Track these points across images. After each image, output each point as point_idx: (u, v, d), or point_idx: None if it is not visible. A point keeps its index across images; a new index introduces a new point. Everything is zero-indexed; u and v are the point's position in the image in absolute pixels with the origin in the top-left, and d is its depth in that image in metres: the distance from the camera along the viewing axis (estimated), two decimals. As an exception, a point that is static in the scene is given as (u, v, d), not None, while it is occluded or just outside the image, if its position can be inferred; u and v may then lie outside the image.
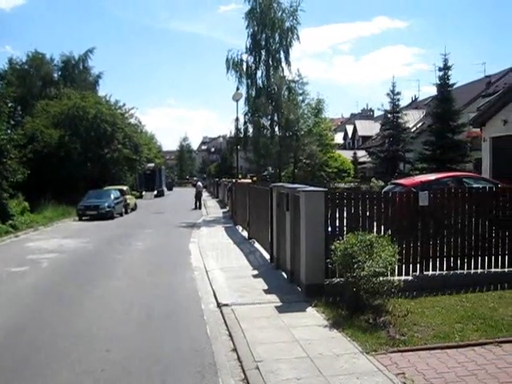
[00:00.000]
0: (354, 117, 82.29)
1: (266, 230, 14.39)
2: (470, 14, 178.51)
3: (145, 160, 58.30)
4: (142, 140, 59.25)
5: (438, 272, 10.64)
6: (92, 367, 7.01)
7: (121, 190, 36.24)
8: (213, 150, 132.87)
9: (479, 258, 10.83)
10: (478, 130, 25.34)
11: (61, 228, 26.93)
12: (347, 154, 50.89)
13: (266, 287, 11.14)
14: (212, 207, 40.96)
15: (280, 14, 32.57)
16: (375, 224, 10.41)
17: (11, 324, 9.20)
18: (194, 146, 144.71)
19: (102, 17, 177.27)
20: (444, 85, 33.53)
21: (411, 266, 10.48)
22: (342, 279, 9.24)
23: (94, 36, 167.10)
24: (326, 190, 10.78)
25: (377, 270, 8.23)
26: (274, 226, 13.29)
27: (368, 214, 10.44)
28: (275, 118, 32.83)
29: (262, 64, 32.75)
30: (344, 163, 44.95)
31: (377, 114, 67.56)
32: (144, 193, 58.53)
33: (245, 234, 20.20)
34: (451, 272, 10.66)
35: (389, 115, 42.26)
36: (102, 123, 43.88)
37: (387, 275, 8.70)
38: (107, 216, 30.70)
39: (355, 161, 51.16)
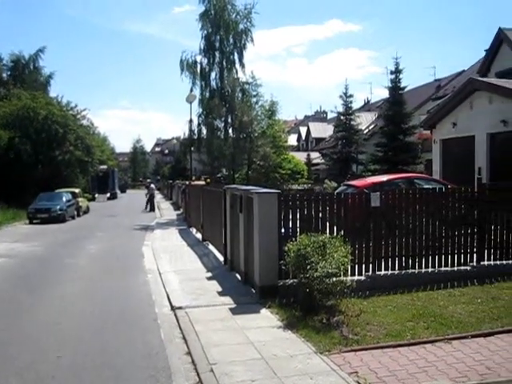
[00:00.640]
0: (307, 119, 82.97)
1: (220, 232, 14.36)
2: (421, 19, 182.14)
3: (97, 162, 57.47)
4: (95, 142, 58.40)
5: (390, 272, 10.80)
6: (42, 374, 6.86)
7: (73, 193, 35.60)
8: (166, 151, 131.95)
9: (430, 258, 11.05)
10: (429, 132, 25.84)
11: (11, 232, 26.26)
12: (301, 156, 51.25)
13: (220, 289, 11.12)
14: (166, 209, 40.68)
15: (234, 16, 32.65)
16: (328, 225, 10.50)
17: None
18: (148, 147, 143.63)
19: (53, 16, 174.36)
20: (395, 88, 34.07)
21: (364, 266, 10.60)
22: (295, 280, 9.29)
23: (45, 35, 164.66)
24: (279, 191, 10.80)
25: (330, 270, 8.29)
26: (228, 227, 13.27)
27: (321, 215, 10.52)
28: (229, 119, 32.85)
29: (216, 66, 32.76)
30: (298, 165, 45.24)
31: (330, 116, 68.30)
32: (97, 195, 57.73)
33: (199, 236, 20.11)
34: (403, 271, 10.84)
35: (342, 117, 42.74)
36: (54, 124, 43.04)
37: (340, 276, 8.75)
38: (59, 219, 30.11)
39: (309, 162, 51.56)
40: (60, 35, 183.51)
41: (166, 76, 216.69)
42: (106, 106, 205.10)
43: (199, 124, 33.59)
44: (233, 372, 6.52)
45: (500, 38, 26.77)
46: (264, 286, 9.92)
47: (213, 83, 32.84)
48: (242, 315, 9.01)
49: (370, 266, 10.64)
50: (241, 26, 32.65)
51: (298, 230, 10.19)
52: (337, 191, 15.91)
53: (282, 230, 10.15)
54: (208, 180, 31.52)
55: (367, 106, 64.01)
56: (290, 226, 10.30)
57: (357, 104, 55.59)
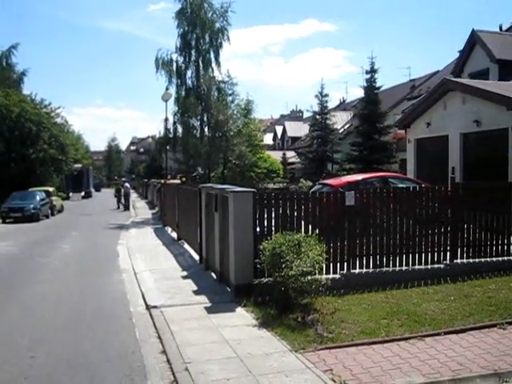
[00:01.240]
0: (283, 118, 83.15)
1: (195, 231, 14.32)
2: (396, 20, 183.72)
3: (72, 160, 56.91)
4: (69, 140, 57.87)
5: (364, 270, 10.89)
6: (14, 375, 6.77)
7: (47, 192, 35.24)
8: (142, 150, 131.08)
9: (404, 256, 11.16)
10: (403, 131, 26.05)
11: (-18, 231, 25.92)
12: (276, 155, 51.28)
13: (195, 288, 11.10)
14: (141, 208, 40.47)
15: (211, 14, 32.54)
16: (303, 224, 10.54)
17: None
18: (123, 146, 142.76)
19: (25, 12, 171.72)
20: (371, 87, 34.30)
21: (339, 264, 10.67)
22: (270, 279, 9.29)
23: (17, 32, 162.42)
24: (255, 190, 10.81)
25: (305, 269, 8.33)
26: (203, 226, 13.24)
27: (296, 213, 10.55)
28: (205, 118, 32.72)
29: (192, 64, 32.61)
30: (273, 164, 45.27)
31: (306, 115, 68.40)
32: (71, 194, 57.19)
33: (174, 235, 20.04)
34: (377, 270, 10.94)
35: (317, 116, 42.88)
36: (27, 122, 42.51)
37: (315, 274, 8.80)
38: (33, 218, 29.80)
39: (284, 161, 51.63)
40: (32, 32, 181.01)
41: (141, 74, 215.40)
42: (80, 103, 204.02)
43: (175, 122, 33.46)
44: (208, 371, 6.52)
45: (473, 40, 27.13)
46: (239, 285, 9.92)
47: (189, 82, 32.73)
48: (218, 314, 9.00)
49: (345, 264, 10.71)
50: (217, 25, 32.56)
51: (274, 228, 10.21)
52: (312, 190, 15.97)
53: (258, 229, 10.17)
54: (183, 179, 31.45)
55: (343, 106, 64.36)
56: (266, 224, 10.32)
57: (332, 103, 55.96)
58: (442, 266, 11.33)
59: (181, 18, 32.13)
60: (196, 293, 10.69)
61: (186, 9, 32.02)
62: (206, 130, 33.29)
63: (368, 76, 34.26)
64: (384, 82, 74.98)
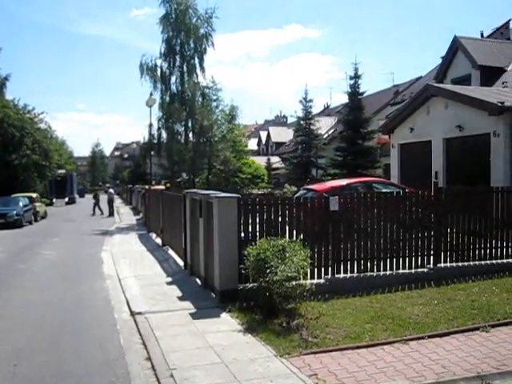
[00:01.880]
0: (267, 123, 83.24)
1: (180, 237, 14.30)
2: (380, 26, 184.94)
3: (55, 166, 56.58)
4: (53, 145, 57.54)
5: (349, 275, 10.92)
6: (-3, 383, 6.71)
7: (30, 198, 34.96)
8: (126, 156, 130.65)
9: (388, 260, 11.22)
10: (387, 136, 26.20)
11: (-36, 238, 25.64)
12: (261, 160, 51.34)
13: (180, 294, 11.07)
14: (125, 214, 40.27)
15: (195, 20, 32.56)
16: (288, 229, 10.56)
17: None
18: (107, 151, 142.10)
19: (6, 17, 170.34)
20: (355, 93, 34.44)
21: (323, 269, 10.70)
22: (255, 284, 9.32)
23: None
24: (239, 196, 10.82)
25: (289, 274, 8.35)
26: (188, 232, 13.22)
27: (280, 219, 10.58)
28: (189, 124, 32.70)
29: (176, 70, 32.60)
30: (258, 169, 45.31)
31: (290, 120, 68.64)
32: (55, 200, 56.76)
33: (158, 240, 19.97)
34: (362, 274, 10.98)
35: (302, 122, 42.99)
36: (10, 128, 42.24)
37: (300, 279, 8.80)
38: (15, 224, 29.49)
39: (269, 167, 51.67)
40: (15, 37, 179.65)
41: (126, 79, 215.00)
42: (63, 108, 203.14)
43: (159, 128, 33.42)
44: (193, 377, 6.51)
45: (455, 46, 27.41)
46: (224, 291, 9.92)
47: (173, 87, 32.72)
48: (202, 320, 8.99)
49: (330, 269, 10.74)
50: (201, 31, 32.60)
51: (258, 234, 10.23)
52: (296, 195, 16.00)
53: (242, 235, 10.17)
54: (168, 184, 31.35)
55: (327, 111, 64.66)
56: (250, 230, 10.33)
57: (317, 109, 56.24)
58: (425, 270, 11.40)
59: (165, 24, 32.14)
60: (181, 299, 10.66)
61: (170, 14, 32.03)
62: (190, 135, 33.29)
63: (352, 82, 34.45)
64: (368, 87, 75.54)
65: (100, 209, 41.05)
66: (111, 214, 39.04)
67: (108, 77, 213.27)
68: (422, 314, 8.78)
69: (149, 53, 33.07)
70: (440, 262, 11.61)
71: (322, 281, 10.53)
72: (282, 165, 50.66)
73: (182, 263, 14.23)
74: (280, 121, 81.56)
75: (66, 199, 60.31)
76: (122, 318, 9.71)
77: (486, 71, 25.74)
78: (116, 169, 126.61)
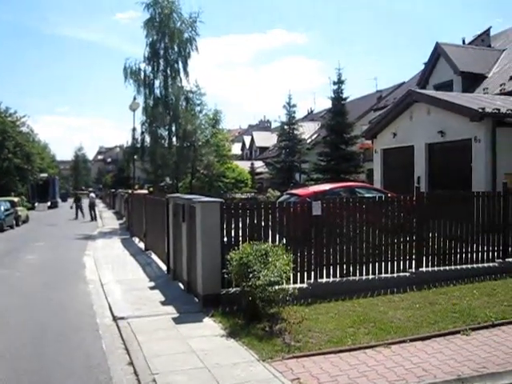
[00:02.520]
0: (251, 128, 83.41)
1: (163, 241, 14.27)
2: (363, 32, 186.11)
3: (37, 170, 56.27)
4: (35, 149, 57.21)
5: (331, 279, 10.96)
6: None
7: (11, 202, 34.65)
8: (109, 160, 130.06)
9: (370, 265, 11.29)
10: (370, 142, 26.33)
11: None
12: (245, 165, 51.36)
13: (162, 299, 11.04)
14: (108, 218, 40.11)
15: (179, 24, 32.49)
16: (271, 233, 10.59)
17: None
18: (90, 155, 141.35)
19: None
20: (338, 98, 34.54)
21: (306, 273, 10.73)
22: (238, 289, 9.34)
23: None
24: (222, 200, 10.83)
25: (272, 278, 8.37)
26: (171, 236, 13.21)
27: (263, 223, 10.60)
28: (173, 128, 32.59)
29: (160, 74, 32.48)
30: (241, 174, 45.31)
31: (274, 125, 68.72)
32: (37, 204, 56.27)
33: (141, 245, 19.91)
34: (344, 279, 11.03)
35: (285, 127, 43.09)
36: (-9, 131, 41.93)
37: (282, 284, 8.82)
38: (-3, 229, 29.25)
39: (252, 171, 51.70)
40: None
41: (109, 83, 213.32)
42: (45, 112, 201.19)
43: (143, 132, 33.23)
44: (175, 381, 6.51)
45: (437, 52, 27.66)
46: (207, 295, 9.91)
47: (157, 91, 32.60)
48: (185, 324, 8.99)
49: (312, 273, 10.77)
50: (186, 35, 32.54)
51: (241, 238, 10.24)
52: (279, 200, 16.03)
53: (225, 239, 10.18)
54: (151, 189, 31.20)
55: (310, 116, 64.80)
56: (233, 234, 10.34)
57: (300, 114, 56.37)
58: (407, 274, 11.48)
59: (149, 28, 32.04)
60: (163, 303, 10.64)
61: (154, 18, 31.95)
62: (174, 139, 33.20)
63: (335, 87, 34.54)
64: (351, 92, 75.76)
65: (82, 212, 40.80)
66: (93, 218, 38.79)
67: (91, 80, 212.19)
68: (404, 318, 8.85)
69: (133, 56, 33.17)
70: (422, 267, 11.70)
71: (304, 285, 10.56)
72: (266, 169, 50.69)
73: (164, 268, 14.20)
74: (264, 126, 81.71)
75: (49, 203, 59.76)
76: (104, 323, 9.66)
77: (467, 77, 26.02)
78: (99, 173, 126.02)
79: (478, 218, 12.41)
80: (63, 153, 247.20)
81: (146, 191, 29.06)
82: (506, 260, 12.52)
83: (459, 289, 10.86)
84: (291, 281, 10.17)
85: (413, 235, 11.75)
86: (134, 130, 33.08)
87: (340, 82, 34.40)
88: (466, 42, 33.34)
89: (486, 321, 8.57)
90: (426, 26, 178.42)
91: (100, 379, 6.91)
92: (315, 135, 49.20)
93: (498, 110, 17.59)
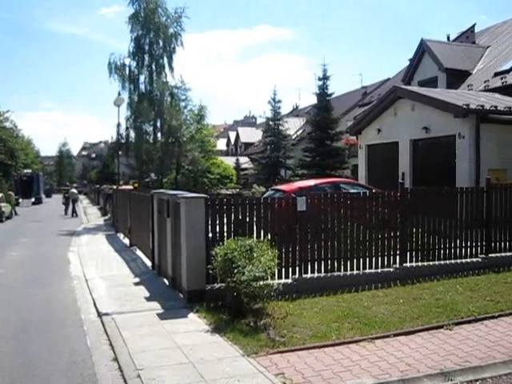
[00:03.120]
0: (236, 123, 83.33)
1: (148, 237, 14.24)
2: (348, 28, 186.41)
3: (21, 166, 55.81)
4: (19, 145, 56.72)
5: (316, 274, 11.00)
6: (-41, 386, 6.60)
7: (-6, 198, 34.40)
8: (94, 155, 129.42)
9: (355, 260, 11.34)
10: (355, 137, 26.42)
11: None
12: (230, 161, 51.28)
13: (147, 295, 11.02)
14: (93, 214, 39.86)
15: (164, 19, 32.40)
16: (255, 229, 10.60)
17: None
18: (74, 151, 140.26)
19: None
20: (323, 94, 34.59)
21: (291, 269, 10.76)
22: (223, 284, 9.34)
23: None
24: (207, 196, 10.82)
25: (256, 274, 8.38)
26: (156, 232, 13.18)
27: (248, 219, 10.60)
28: (158, 123, 32.54)
29: (145, 69, 32.38)
30: (226, 169, 45.22)
31: (259, 121, 68.89)
32: (21, 200, 55.78)
33: (126, 241, 19.84)
34: (329, 274, 11.06)
35: (270, 122, 43.15)
36: (-27, 127, 41.55)
37: (267, 279, 8.85)
38: (-21, 225, 29.03)
39: (238, 167, 51.66)
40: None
41: (93, 78, 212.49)
42: (28, 107, 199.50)
43: (127, 128, 33.13)
44: (160, 377, 6.49)
45: (422, 49, 27.79)
46: (192, 291, 9.91)
47: (142, 87, 32.50)
48: (170, 320, 8.97)
49: (297, 269, 10.80)
50: (171, 30, 32.44)
51: (226, 234, 10.25)
52: (264, 196, 16.04)
53: (210, 235, 10.18)
54: (136, 185, 31.09)
55: (296, 112, 64.91)
56: (218, 230, 10.34)
57: (285, 109, 56.43)
58: (391, 269, 11.55)
59: (134, 23, 31.91)
60: (148, 299, 10.62)
61: (139, 13, 31.81)
62: (158, 135, 33.13)
63: (320, 83, 34.60)
64: (337, 88, 76.50)
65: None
66: (75, 214, 38.41)
67: (75, 75, 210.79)
68: (388, 313, 8.90)
69: (118, 51, 32.97)
70: (406, 262, 11.77)
71: (289, 280, 10.59)
72: (251, 165, 50.76)
73: (149, 264, 14.17)
74: (249, 121, 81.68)
75: (33, 199, 59.32)
76: (88, 319, 9.63)
77: (451, 74, 26.16)
78: (84, 168, 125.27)
79: (462, 214, 12.51)
80: (47, 148, 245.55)
81: (130, 187, 28.95)
82: (489, 255, 12.62)
83: (443, 284, 10.95)
84: (276, 276, 10.19)
85: (397, 231, 11.81)
86: (118, 125, 33.07)
87: (325, 77, 34.47)
88: (451, 38, 33.55)
89: (469, 315, 8.64)
90: (411, 22, 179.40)
91: (84, 375, 6.89)
92: (300, 131, 49.27)
93: (482, 106, 17.74)
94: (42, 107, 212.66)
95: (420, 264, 11.90)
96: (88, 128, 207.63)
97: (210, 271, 9.54)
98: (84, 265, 15.42)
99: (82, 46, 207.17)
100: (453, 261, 12.24)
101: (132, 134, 33.06)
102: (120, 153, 35.18)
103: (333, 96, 35.67)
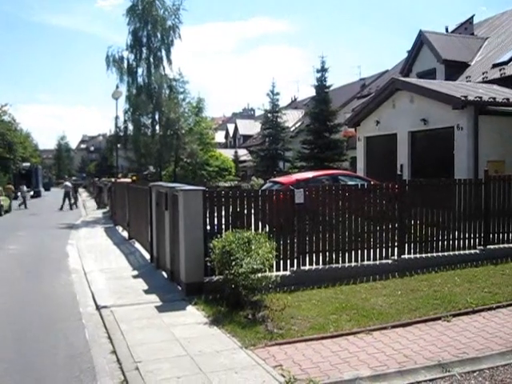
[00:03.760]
0: (235, 116, 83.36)
1: (146, 230, 14.25)
2: (346, 19, 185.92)
3: (20, 159, 55.74)
4: (17, 138, 56.61)
5: (314, 266, 11.01)
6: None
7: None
8: (92, 148, 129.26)
9: (353, 252, 11.35)
10: (354, 129, 26.42)
11: None
12: (228, 153, 51.28)
13: (146, 287, 11.04)
14: (92, 207, 39.89)
15: (162, 11, 32.25)
16: (253, 221, 10.60)
17: None
18: (73, 144, 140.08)
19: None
20: (321, 86, 34.59)
21: (289, 261, 10.77)
22: (221, 277, 9.34)
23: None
24: (205, 188, 10.82)
25: (255, 266, 8.39)
26: (154, 225, 13.18)
27: (246, 211, 10.61)
28: (156, 116, 32.46)
29: (143, 62, 32.24)
30: (225, 162, 45.24)
31: (258, 113, 68.80)
32: (19, 193, 55.75)
33: (125, 234, 19.85)
34: (327, 266, 11.08)
35: (269, 115, 43.14)
36: (-29, 121, 41.48)
37: (265, 271, 8.86)
38: (-22, 219, 29.00)
39: (236, 159, 51.64)
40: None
41: (91, 71, 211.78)
42: (25, 100, 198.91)
43: (126, 121, 33.07)
44: (158, 369, 6.50)
45: (421, 40, 27.74)
46: (190, 283, 9.92)
47: (140, 79, 32.35)
48: (168, 313, 8.98)
49: (295, 261, 10.81)
50: (169, 23, 32.32)
51: (224, 226, 10.25)
52: (263, 188, 16.04)
53: (208, 227, 10.18)
54: (134, 177, 31.08)
55: (294, 104, 64.88)
56: (216, 222, 10.34)
57: (284, 102, 56.40)
58: (389, 261, 11.57)
59: (132, 15, 31.78)
60: (147, 292, 10.63)
61: (137, 6, 31.69)
62: (157, 128, 33.06)
63: (319, 75, 34.59)
64: (335, 80, 76.34)
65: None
66: (70, 207, 38.49)
67: (73, 68, 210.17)
68: (386, 305, 8.92)
69: (115, 44, 32.82)
70: (404, 254, 11.79)
71: (287, 273, 10.60)
72: (250, 157, 50.73)
73: (148, 256, 14.18)
74: (247, 113, 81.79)
75: (31, 193, 59.30)
76: (87, 312, 9.64)
77: (450, 65, 26.14)
78: (82, 162, 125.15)
79: (460, 206, 12.51)
80: (46, 141, 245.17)
81: (129, 180, 28.94)
82: (487, 247, 12.65)
83: (441, 275, 10.97)
84: (274, 268, 10.22)
85: (395, 222, 11.82)
86: (116, 118, 33.04)
87: (323, 70, 34.47)
88: (450, 30, 33.46)
89: (466, 307, 8.66)
90: (409, 14, 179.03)
91: (83, 368, 6.90)
92: (299, 123, 49.25)
93: (481, 97, 17.74)
94: (39, 100, 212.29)
95: (418, 256, 11.92)
96: (86, 121, 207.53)
97: (209, 264, 9.55)
98: (82, 258, 15.43)
99: (78, 38, 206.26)
100: (451, 252, 12.26)
101: (130, 127, 33.04)
102: (119, 146, 35.18)
103: (331, 88, 35.65)
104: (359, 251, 11.42)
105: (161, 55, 32.30)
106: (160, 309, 9.29)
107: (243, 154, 55.11)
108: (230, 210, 10.46)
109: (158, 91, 31.82)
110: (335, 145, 33.75)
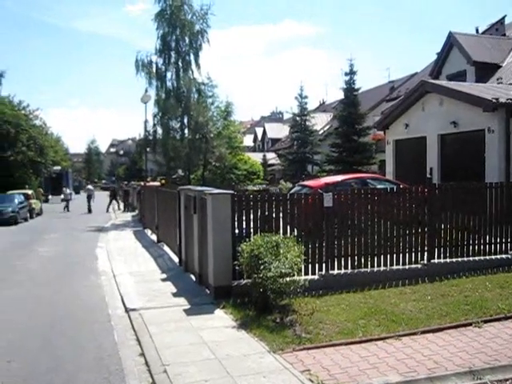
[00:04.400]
0: (263, 119, 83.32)
1: (175, 233, 14.32)
2: (376, 22, 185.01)
3: (51, 163, 56.43)
4: (48, 142, 57.28)
5: (343, 271, 10.94)
6: (-10, 380, 6.70)
7: (25, 195, 34.83)
8: (122, 152, 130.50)
9: (382, 257, 11.25)
10: (382, 133, 26.22)
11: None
12: (257, 157, 51.37)
13: (174, 290, 11.09)
14: (119, 211, 40.26)
15: (190, 16, 32.48)
16: (282, 225, 10.58)
17: None
18: (103, 148, 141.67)
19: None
20: (350, 89, 34.47)
21: (317, 265, 10.72)
22: (249, 280, 9.33)
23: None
24: (233, 192, 10.84)
25: (283, 270, 8.37)
26: (182, 228, 13.24)
27: (274, 215, 10.59)
28: (185, 120, 32.65)
29: (171, 66, 32.49)
30: (253, 166, 45.30)
31: (286, 116, 68.68)
32: (50, 197, 56.54)
33: (154, 237, 19.99)
34: (356, 270, 11.01)
35: (297, 118, 43.11)
36: (5, 124, 42.12)
37: (293, 275, 8.83)
38: (10, 221, 29.31)
39: (265, 163, 51.71)
40: (3, 31, 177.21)
41: (120, 75, 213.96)
42: (55, 105, 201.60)
43: (155, 124, 33.31)
44: (186, 372, 6.52)
45: (450, 42, 27.40)
46: (218, 287, 9.94)
47: (168, 83, 32.60)
48: (196, 316, 9.01)
49: (324, 265, 10.76)
50: (197, 27, 32.51)
51: (252, 230, 10.24)
52: (291, 191, 16.01)
53: (236, 231, 10.18)
54: (163, 181, 31.31)
55: (322, 107, 64.60)
56: (244, 226, 10.34)
57: (312, 105, 56.19)
58: (419, 266, 11.44)
59: (160, 20, 32.05)
60: (175, 295, 10.68)
61: (165, 10, 31.94)
62: (186, 131, 33.24)
63: (347, 78, 34.49)
64: (363, 83, 75.73)
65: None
66: (89, 210, 39.00)
67: (102, 73, 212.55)
68: (416, 310, 8.82)
69: (144, 49, 33.21)
70: (434, 258, 11.64)
71: (315, 277, 10.56)
72: (278, 161, 50.67)
73: (176, 260, 14.25)
74: (276, 117, 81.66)
75: (62, 196, 60.09)
76: (116, 314, 9.73)
77: (480, 67, 25.75)
78: (112, 165, 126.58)
79: (491, 210, 12.32)
80: (76, 145, 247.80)
81: (158, 183, 29.15)
82: (520, 252, 12.43)
83: (471, 281, 10.80)
84: (302, 272, 10.18)
85: (425, 227, 11.69)
86: (145, 122, 33.28)
87: (352, 72, 34.36)
88: (480, 31, 33.02)
89: (498, 313, 8.52)
90: (439, 16, 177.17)
91: (111, 370, 6.96)
92: (327, 126, 49.06)
93: (512, 100, 17.44)
94: (69, 105, 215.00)
95: (448, 260, 11.77)
96: (116, 125, 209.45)
97: (237, 267, 9.54)
98: (112, 260, 15.58)
99: (107, 43, 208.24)
100: (482, 257, 12.08)
101: (159, 131, 33.29)
102: (148, 149, 35.45)
103: (360, 91, 35.50)
104: (388, 255, 11.32)
105: (189, 59, 32.50)
106: (188, 312, 9.32)
107: (271, 157, 55.09)
108: (259, 213, 10.46)
109: (186, 95, 32.01)
110: (364, 148, 33.57)
